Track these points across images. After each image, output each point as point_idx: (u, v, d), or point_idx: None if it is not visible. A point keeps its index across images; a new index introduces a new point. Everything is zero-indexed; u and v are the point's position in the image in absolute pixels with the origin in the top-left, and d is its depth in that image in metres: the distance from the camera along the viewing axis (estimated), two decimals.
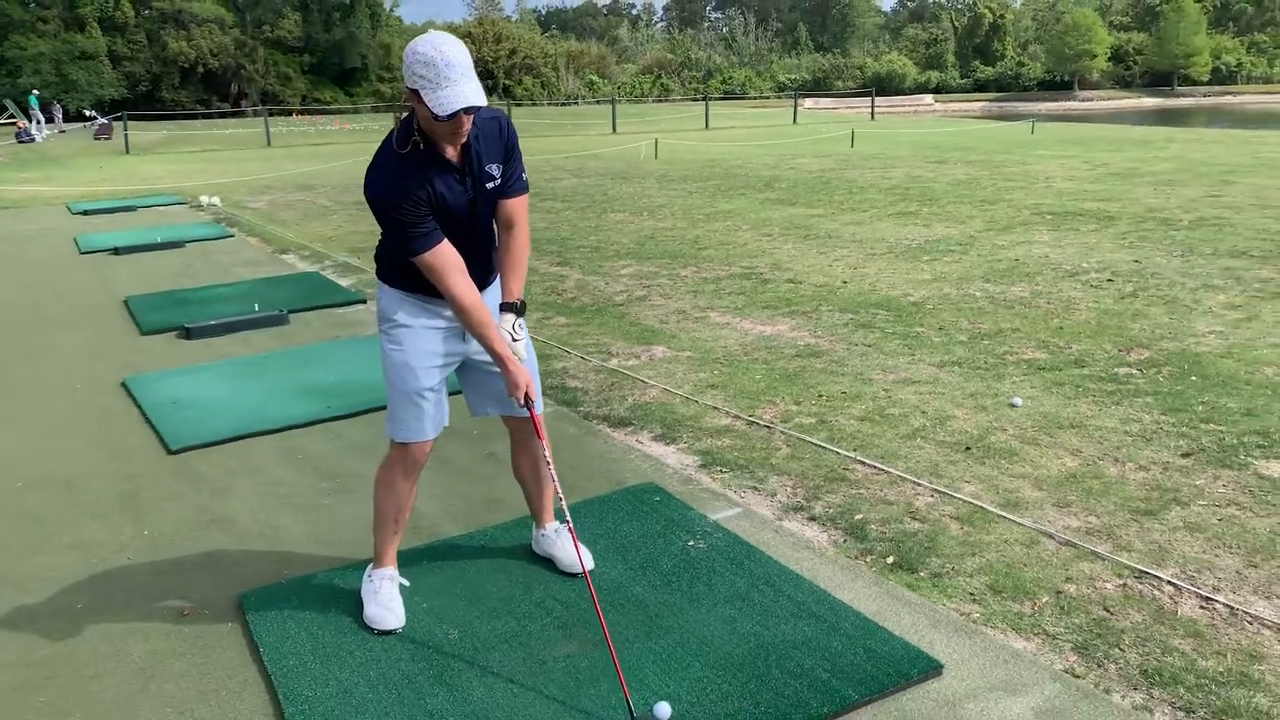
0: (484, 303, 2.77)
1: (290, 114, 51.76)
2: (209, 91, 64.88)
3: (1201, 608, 2.95)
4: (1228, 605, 2.94)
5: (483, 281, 2.87)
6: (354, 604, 3.07)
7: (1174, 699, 2.52)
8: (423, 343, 2.88)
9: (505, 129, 2.82)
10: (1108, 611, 2.94)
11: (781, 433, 4.48)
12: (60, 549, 3.61)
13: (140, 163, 23.59)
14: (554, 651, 2.78)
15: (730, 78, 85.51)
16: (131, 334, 6.85)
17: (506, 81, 78.44)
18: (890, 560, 3.28)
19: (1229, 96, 74.40)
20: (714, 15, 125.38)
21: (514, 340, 2.83)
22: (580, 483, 3.95)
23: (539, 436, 2.97)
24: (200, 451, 4.50)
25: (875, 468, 4.05)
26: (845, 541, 3.44)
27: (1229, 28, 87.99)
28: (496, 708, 2.54)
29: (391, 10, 76.14)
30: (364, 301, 7.54)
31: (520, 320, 2.88)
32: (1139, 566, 3.17)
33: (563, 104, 64.29)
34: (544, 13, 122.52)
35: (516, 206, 2.88)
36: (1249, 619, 2.87)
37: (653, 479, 4.00)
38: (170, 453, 4.49)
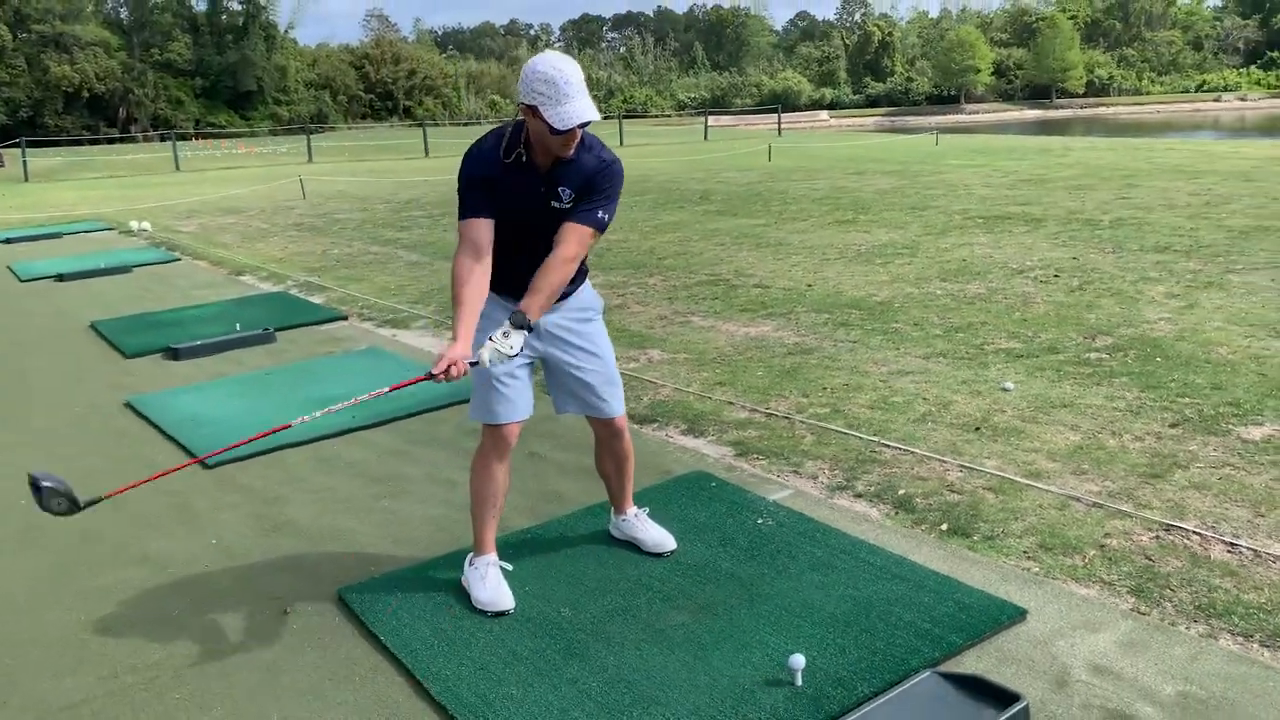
0: (472, 291, 2.82)
1: (190, 138, 50.31)
2: (95, 117, 62.76)
3: (1229, 552, 3.30)
4: (1251, 549, 3.30)
5: (521, 289, 2.92)
6: (456, 591, 3.20)
7: (1231, 627, 2.85)
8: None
9: (601, 173, 2.90)
10: (1149, 560, 3.27)
11: (801, 422, 4.75)
12: (131, 562, 3.63)
13: (45, 190, 22.77)
14: (667, 621, 2.97)
15: (632, 96, 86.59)
16: (112, 356, 6.75)
17: (407, 102, 77.76)
18: (944, 527, 3.57)
19: (1103, 108, 78.65)
20: (611, 35, 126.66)
21: (489, 341, 2.82)
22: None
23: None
24: (237, 465, 4.53)
25: (900, 449, 4.34)
26: (897, 514, 3.72)
27: (1100, 43, 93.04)
28: (633, 671, 2.72)
29: (286, 33, 74.88)
30: (345, 318, 7.57)
31: (509, 330, 2.83)
32: (1165, 520, 3.53)
33: (465, 124, 64.03)
34: (441, 33, 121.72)
35: (570, 229, 2.89)
36: (1272, 558, 3.23)
37: (697, 468, 4.22)
38: (207, 467, 4.51)
